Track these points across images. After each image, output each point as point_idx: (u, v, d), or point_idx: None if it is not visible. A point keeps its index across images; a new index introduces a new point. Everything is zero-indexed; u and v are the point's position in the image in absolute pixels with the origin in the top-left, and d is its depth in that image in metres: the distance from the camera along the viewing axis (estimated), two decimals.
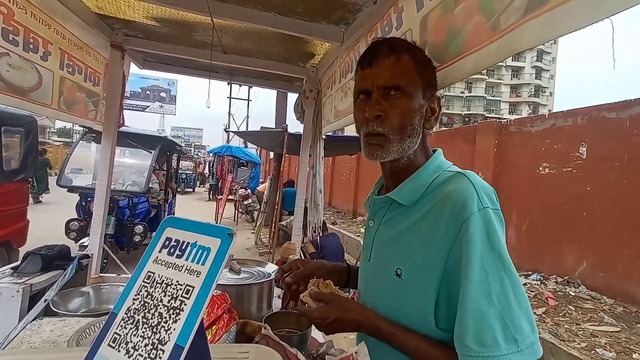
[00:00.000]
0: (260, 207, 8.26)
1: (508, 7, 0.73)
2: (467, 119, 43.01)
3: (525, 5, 0.68)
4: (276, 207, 5.69)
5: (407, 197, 0.74)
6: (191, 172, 20.75)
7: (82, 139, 5.68)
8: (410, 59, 0.74)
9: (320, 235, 4.07)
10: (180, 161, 12.41)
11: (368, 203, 0.90)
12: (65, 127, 45.75)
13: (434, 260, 0.66)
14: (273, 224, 5.72)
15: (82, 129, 5.76)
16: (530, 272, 4.74)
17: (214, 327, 0.96)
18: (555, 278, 4.46)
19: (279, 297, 1.57)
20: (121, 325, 0.51)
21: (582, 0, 0.57)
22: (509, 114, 44.35)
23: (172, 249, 0.55)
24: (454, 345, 0.62)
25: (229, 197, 10.18)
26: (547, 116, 4.92)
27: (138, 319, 0.51)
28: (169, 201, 6.61)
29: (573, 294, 4.06)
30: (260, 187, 10.40)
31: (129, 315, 0.52)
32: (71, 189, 5.21)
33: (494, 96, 46.97)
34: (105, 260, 4.11)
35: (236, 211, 10.49)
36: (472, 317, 0.59)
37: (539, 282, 4.45)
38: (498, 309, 0.58)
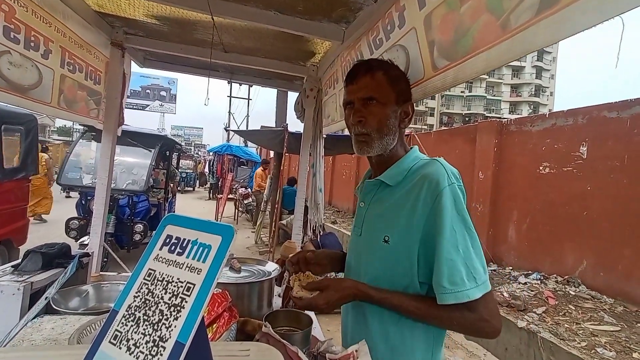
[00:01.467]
0: (260, 206, 8.24)
1: (518, 6, 0.72)
2: (467, 119, 42.99)
3: (537, 4, 0.67)
4: (276, 206, 5.69)
5: (393, 179, 0.92)
6: (191, 171, 20.73)
7: (82, 138, 5.67)
8: (383, 75, 0.91)
9: (320, 234, 4.08)
10: (180, 160, 12.40)
11: (359, 190, 1.08)
12: (65, 125, 45.76)
13: (415, 224, 0.83)
14: (273, 223, 5.72)
15: (82, 127, 5.77)
16: (530, 272, 4.74)
17: (214, 325, 0.97)
18: (556, 277, 4.46)
19: (279, 295, 1.57)
20: (122, 323, 0.51)
21: None
22: (509, 113, 44.32)
23: (173, 247, 0.55)
24: (433, 288, 0.79)
25: (229, 196, 10.17)
26: (547, 116, 4.91)
27: (139, 316, 0.51)
28: (169, 200, 6.61)
29: (573, 293, 4.06)
30: (255, 182, 9.57)
31: (130, 312, 0.52)
32: (71, 188, 5.20)
33: (494, 96, 46.92)
34: (105, 259, 4.12)
35: (236, 210, 10.49)
36: (446, 264, 0.76)
37: (539, 282, 4.44)
38: (462, 257, 0.77)
